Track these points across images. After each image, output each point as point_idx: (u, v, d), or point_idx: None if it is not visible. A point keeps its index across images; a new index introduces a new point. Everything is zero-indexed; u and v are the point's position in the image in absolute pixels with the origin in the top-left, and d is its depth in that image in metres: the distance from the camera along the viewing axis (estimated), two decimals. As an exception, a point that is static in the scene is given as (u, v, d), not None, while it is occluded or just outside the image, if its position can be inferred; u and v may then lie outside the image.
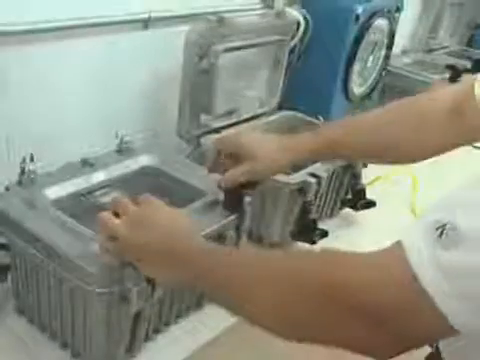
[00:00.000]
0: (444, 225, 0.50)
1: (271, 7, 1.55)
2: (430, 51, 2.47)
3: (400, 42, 2.28)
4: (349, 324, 0.55)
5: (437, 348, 0.74)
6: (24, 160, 1.05)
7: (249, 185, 0.97)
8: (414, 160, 0.96)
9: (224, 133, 1.04)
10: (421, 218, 0.54)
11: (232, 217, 0.98)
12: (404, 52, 2.31)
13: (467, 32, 2.80)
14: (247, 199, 1.00)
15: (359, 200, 1.42)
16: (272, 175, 1.04)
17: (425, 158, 0.93)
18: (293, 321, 0.60)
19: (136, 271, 0.78)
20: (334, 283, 0.56)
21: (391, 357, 0.56)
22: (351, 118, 1.01)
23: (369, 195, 1.42)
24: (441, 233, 0.50)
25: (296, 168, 1.37)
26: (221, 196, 0.99)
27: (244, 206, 0.99)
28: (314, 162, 1.20)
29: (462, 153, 0.97)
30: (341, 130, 0.96)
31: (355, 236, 1.39)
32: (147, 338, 0.96)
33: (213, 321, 1.04)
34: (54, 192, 0.96)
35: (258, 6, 1.55)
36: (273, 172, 1.01)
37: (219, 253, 0.72)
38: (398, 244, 0.53)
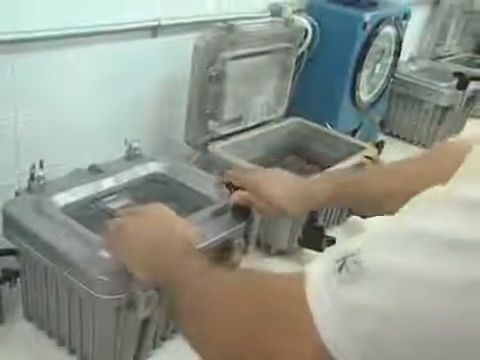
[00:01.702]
0: (345, 258, 0.47)
1: (279, 15, 1.55)
2: (437, 58, 2.47)
3: (407, 49, 2.28)
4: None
5: None
6: (34, 166, 1.06)
7: None
8: None
9: (237, 171, 1.09)
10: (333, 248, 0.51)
11: (240, 225, 0.98)
12: (411, 59, 2.31)
13: (474, 39, 2.80)
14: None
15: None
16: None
17: None
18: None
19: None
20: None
21: None
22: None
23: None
24: (341, 266, 0.47)
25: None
26: (229, 204, 0.99)
27: (252, 214, 1.00)
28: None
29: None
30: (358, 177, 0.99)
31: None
32: (155, 345, 0.97)
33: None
34: (63, 198, 0.97)
35: (266, 14, 1.55)
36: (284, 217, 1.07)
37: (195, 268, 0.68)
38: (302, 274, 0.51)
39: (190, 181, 1.10)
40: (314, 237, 1.26)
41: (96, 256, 0.84)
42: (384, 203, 0.88)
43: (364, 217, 1.43)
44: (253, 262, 1.18)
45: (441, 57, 2.51)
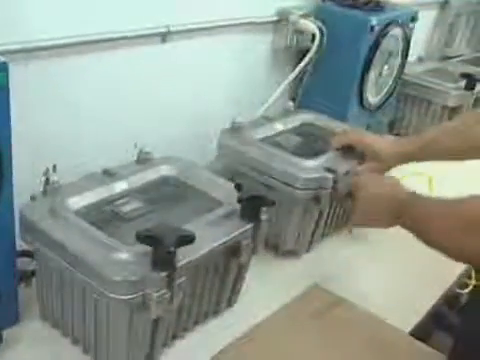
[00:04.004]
0: None
1: (287, 19, 1.57)
2: (446, 59, 2.48)
3: (416, 50, 2.30)
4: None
5: None
6: (47, 171, 1.08)
7: None
8: None
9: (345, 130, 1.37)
10: None
11: (248, 226, 1.01)
12: (420, 60, 2.32)
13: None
14: (263, 208, 1.02)
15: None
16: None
17: None
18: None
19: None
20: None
21: None
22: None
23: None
24: None
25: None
26: (238, 206, 1.02)
27: (260, 215, 1.02)
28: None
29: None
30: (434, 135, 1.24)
31: (374, 244, 1.42)
32: (166, 344, 0.99)
33: (230, 327, 1.07)
34: (77, 202, 1.00)
35: (274, 18, 1.58)
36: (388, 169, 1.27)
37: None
38: None
39: (201, 184, 1.12)
40: None
41: (110, 258, 0.87)
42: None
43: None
44: (260, 262, 1.21)
45: (450, 58, 2.52)
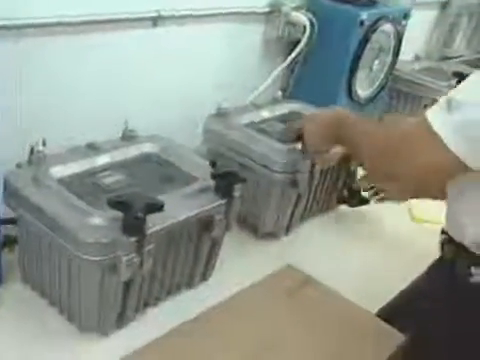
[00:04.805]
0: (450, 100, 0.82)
1: (279, 11, 1.62)
2: (444, 59, 2.51)
3: (414, 49, 2.34)
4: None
5: None
6: (36, 143, 1.14)
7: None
8: None
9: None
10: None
11: (221, 202, 1.06)
12: (416, 59, 2.36)
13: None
14: (237, 186, 1.07)
15: (354, 197, 1.49)
16: None
17: None
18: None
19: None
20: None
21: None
22: None
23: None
24: (448, 104, 0.82)
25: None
26: (212, 182, 1.07)
27: (233, 192, 1.07)
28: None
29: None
30: None
31: (354, 230, 1.47)
32: (138, 309, 1.05)
33: (204, 300, 1.11)
34: (59, 171, 1.05)
35: (266, 9, 1.62)
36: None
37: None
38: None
39: (181, 162, 1.17)
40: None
41: (85, 223, 0.92)
42: None
43: (352, 207, 1.51)
44: (239, 243, 1.27)
45: (449, 58, 2.55)
